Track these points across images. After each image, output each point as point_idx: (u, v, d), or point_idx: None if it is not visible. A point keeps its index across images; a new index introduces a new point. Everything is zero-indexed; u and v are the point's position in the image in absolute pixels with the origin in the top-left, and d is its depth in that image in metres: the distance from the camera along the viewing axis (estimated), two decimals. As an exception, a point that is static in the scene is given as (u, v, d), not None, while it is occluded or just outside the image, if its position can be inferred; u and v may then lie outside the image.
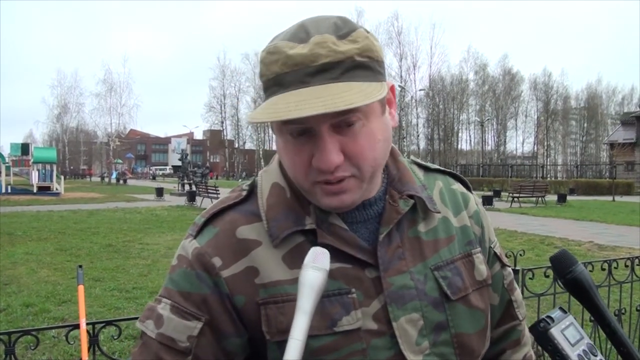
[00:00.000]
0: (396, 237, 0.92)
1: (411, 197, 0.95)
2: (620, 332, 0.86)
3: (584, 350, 0.83)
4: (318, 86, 0.79)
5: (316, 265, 0.78)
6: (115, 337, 2.46)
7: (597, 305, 0.87)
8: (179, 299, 0.88)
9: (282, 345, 0.80)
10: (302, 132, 0.83)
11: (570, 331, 0.84)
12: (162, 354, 0.86)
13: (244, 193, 0.96)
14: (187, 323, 0.87)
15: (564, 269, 0.89)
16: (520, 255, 3.81)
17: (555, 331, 0.83)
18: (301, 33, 0.83)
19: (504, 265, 1.08)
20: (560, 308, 0.88)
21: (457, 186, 1.06)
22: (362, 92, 0.79)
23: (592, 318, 0.90)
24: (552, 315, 0.85)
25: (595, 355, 0.83)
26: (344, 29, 0.83)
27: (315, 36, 0.81)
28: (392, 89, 0.91)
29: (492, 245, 1.06)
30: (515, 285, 1.11)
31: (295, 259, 0.88)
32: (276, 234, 0.90)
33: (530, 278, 3.41)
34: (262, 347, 0.89)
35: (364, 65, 0.83)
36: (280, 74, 0.82)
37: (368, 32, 0.87)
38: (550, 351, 0.83)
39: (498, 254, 1.07)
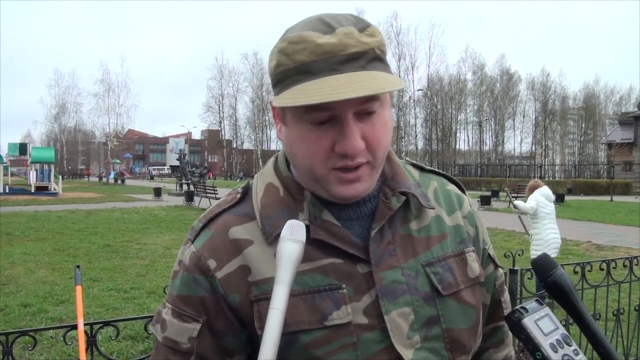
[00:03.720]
0: (388, 233, 0.94)
1: (404, 194, 0.97)
2: (600, 334, 0.88)
3: (557, 340, 0.85)
4: (350, 73, 0.83)
5: (293, 237, 0.81)
6: (113, 338, 2.46)
7: (576, 307, 0.90)
8: (179, 303, 0.93)
9: None
10: (325, 120, 0.85)
11: (544, 322, 0.86)
12: (169, 355, 0.92)
13: (238, 196, 0.99)
14: (187, 325, 0.91)
15: (544, 273, 0.92)
16: (519, 255, 3.82)
17: (528, 321, 0.86)
18: (323, 25, 0.86)
19: (497, 267, 1.11)
20: (537, 300, 0.90)
21: (452, 187, 1.09)
22: (388, 81, 0.84)
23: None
24: (527, 306, 0.88)
25: (570, 345, 0.85)
26: (361, 23, 0.88)
27: (340, 28, 0.85)
28: None
29: (486, 247, 1.09)
30: (505, 287, 1.14)
31: None
32: (270, 232, 0.92)
33: (528, 278, 3.42)
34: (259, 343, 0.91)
35: (380, 58, 0.88)
36: (307, 62, 0.84)
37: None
38: (524, 340, 0.85)
39: (492, 255, 1.10)
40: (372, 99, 0.85)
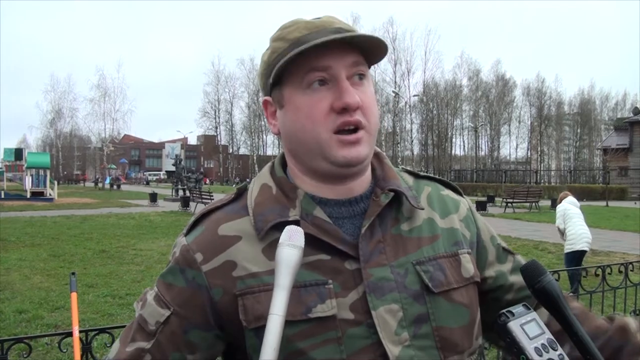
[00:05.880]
0: (378, 232, 0.97)
1: (393, 191, 0.99)
2: (587, 341, 0.89)
3: (542, 344, 0.86)
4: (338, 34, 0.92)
5: (292, 243, 0.83)
6: (108, 345, 2.46)
7: (564, 314, 0.90)
8: (162, 288, 0.98)
9: (259, 331, 0.87)
10: (322, 81, 0.92)
11: (530, 326, 0.88)
12: (136, 332, 0.97)
13: (233, 195, 1.04)
14: (160, 310, 0.96)
15: (533, 279, 0.93)
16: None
17: (513, 325, 0.87)
18: (310, 18, 0.98)
19: (513, 254, 1.13)
20: (524, 305, 0.91)
21: (448, 192, 1.11)
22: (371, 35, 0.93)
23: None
24: (513, 310, 0.89)
25: (555, 350, 0.86)
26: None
27: (325, 15, 0.98)
28: None
29: (497, 243, 1.11)
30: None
31: (274, 252, 0.90)
32: (261, 227, 0.95)
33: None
34: (241, 338, 0.94)
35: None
36: (300, 36, 0.93)
37: None
38: (509, 343, 0.87)
39: (505, 247, 1.12)
40: (361, 63, 0.94)
